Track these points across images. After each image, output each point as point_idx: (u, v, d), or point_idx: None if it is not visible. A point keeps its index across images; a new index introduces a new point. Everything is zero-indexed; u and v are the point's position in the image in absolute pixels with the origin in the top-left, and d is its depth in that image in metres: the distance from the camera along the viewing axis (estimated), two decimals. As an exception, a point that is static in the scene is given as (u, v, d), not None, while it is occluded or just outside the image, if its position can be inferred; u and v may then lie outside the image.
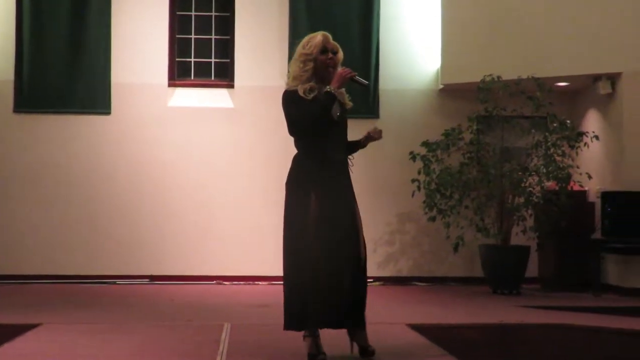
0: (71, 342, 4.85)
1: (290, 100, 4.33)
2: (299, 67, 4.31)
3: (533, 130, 8.26)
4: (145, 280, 8.78)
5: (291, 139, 4.63)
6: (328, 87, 4.25)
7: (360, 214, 4.42)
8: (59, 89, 8.88)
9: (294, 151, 4.60)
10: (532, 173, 8.14)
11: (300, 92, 4.27)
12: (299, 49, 4.34)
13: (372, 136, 4.43)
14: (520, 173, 8.10)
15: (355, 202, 4.40)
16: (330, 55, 4.31)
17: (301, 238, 4.26)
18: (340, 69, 4.29)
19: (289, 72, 4.40)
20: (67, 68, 8.87)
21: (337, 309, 4.19)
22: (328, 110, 4.23)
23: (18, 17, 8.82)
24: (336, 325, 4.27)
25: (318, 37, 4.33)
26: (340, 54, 4.36)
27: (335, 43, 4.38)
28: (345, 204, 4.31)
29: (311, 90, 4.27)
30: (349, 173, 4.42)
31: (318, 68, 4.30)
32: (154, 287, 8.43)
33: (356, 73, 4.31)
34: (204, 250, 8.90)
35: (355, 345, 4.31)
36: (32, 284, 8.50)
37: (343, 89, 4.39)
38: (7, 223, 8.77)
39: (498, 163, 8.12)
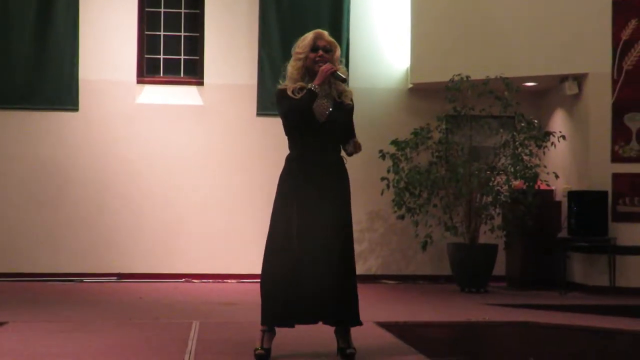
0: (37, 341, 4.80)
1: (280, 99, 4.35)
2: (292, 66, 4.33)
3: (501, 130, 8.33)
4: (113, 279, 8.71)
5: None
6: (310, 84, 4.25)
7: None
8: (25, 85, 8.77)
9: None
10: (500, 172, 8.22)
11: (289, 92, 4.28)
12: (293, 49, 4.37)
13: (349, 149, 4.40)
14: (488, 172, 8.17)
15: (343, 202, 4.33)
16: (321, 52, 4.29)
17: (282, 237, 4.25)
18: (323, 66, 4.27)
19: (285, 71, 4.39)
20: (34, 64, 8.77)
21: (311, 307, 4.18)
22: (306, 107, 4.22)
23: (-18, 15, 8.72)
24: (306, 321, 4.25)
25: (309, 35, 4.35)
26: (338, 52, 4.34)
27: (332, 40, 4.36)
28: (326, 205, 4.25)
29: (301, 89, 4.27)
30: (340, 174, 4.37)
31: (309, 67, 4.31)
32: (122, 285, 8.37)
33: (337, 68, 4.28)
34: (173, 248, 8.86)
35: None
36: (-3, 282, 8.41)
37: (348, 88, 4.38)
38: (-28, 220, 8.66)
39: (466, 162, 8.18)
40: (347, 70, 9.33)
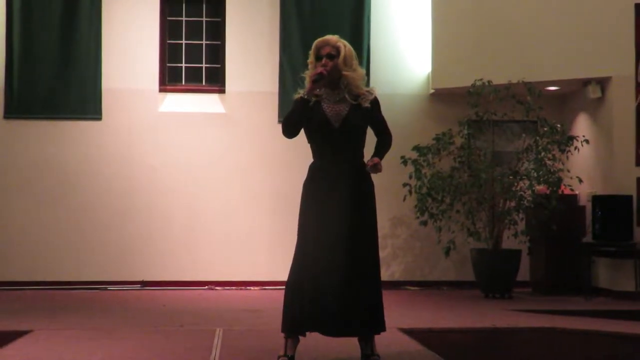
0: (62, 349, 4.83)
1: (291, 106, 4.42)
2: (306, 75, 4.37)
3: (523, 135, 8.29)
4: (137, 286, 8.75)
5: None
6: (302, 91, 4.30)
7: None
8: (49, 94, 8.85)
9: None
10: (523, 177, 8.17)
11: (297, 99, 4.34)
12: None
13: (370, 168, 4.35)
14: (511, 177, 8.12)
15: (364, 207, 4.30)
16: (324, 61, 4.30)
17: (303, 244, 4.27)
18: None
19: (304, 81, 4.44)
20: (58, 74, 8.85)
21: (325, 316, 4.14)
22: (295, 117, 4.28)
23: (8, 23, 8.80)
24: (323, 331, 4.21)
25: (314, 44, 4.38)
26: (341, 55, 4.32)
27: (337, 44, 4.34)
28: (347, 211, 4.22)
29: (307, 96, 4.30)
30: (360, 178, 4.33)
31: None
32: (146, 293, 8.41)
33: (318, 71, 4.26)
34: (196, 256, 8.89)
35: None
36: (23, 290, 8.46)
37: (367, 89, 4.38)
38: (-2, 229, 8.75)
39: (489, 167, 8.14)
40: (368, 76, 9.35)
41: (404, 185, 8.29)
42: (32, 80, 8.84)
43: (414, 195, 8.32)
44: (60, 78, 8.84)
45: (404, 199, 8.38)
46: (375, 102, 4.42)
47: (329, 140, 4.31)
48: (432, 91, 9.11)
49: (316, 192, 4.29)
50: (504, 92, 8.04)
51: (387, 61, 9.21)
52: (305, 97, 4.28)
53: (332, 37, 4.39)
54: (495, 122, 8.27)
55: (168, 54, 9.27)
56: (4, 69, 8.80)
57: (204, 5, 9.38)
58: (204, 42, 9.36)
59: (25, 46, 8.82)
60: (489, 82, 8.10)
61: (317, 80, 4.26)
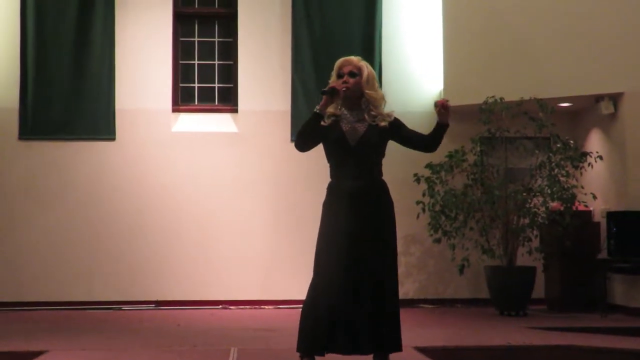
0: (78, 369, 4.83)
1: None
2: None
3: (536, 151, 8.27)
4: (151, 306, 8.76)
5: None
6: (316, 107, 4.33)
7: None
8: (63, 115, 8.92)
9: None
10: (537, 194, 8.14)
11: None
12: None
13: (440, 110, 4.38)
14: (524, 194, 8.10)
15: (382, 225, 4.33)
16: (345, 78, 4.35)
17: (319, 263, 4.30)
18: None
19: None
20: (71, 95, 8.91)
21: (340, 335, 4.15)
22: (307, 129, 4.32)
23: (22, 47, 8.89)
24: (337, 351, 4.21)
25: (337, 63, 4.44)
26: (364, 75, 4.36)
27: (359, 64, 4.39)
28: (365, 231, 4.26)
29: (329, 116, 4.36)
30: (378, 197, 4.36)
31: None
32: (160, 312, 8.42)
33: (332, 85, 4.32)
34: (210, 275, 8.89)
35: None
36: (37, 310, 8.49)
37: (387, 110, 4.43)
38: (12, 249, 8.78)
39: (502, 184, 8.13)
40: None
41: (417, 202, 8.28)
42: (46, 101, 8.90)
43: (427, 213, 8.30)
44: (74, 99, 8.91)
45: (417, 217, 8.37)
46: (397, 122, 4.48)
47: (346, 159, 4.34)
48: (444, 108, 9.09)
49: (333, 212, 4.32)
50: (516, 108, 8.04)
51: (399, 79, 9.23)
52: (318, 111, 4.30)
53: (355, 58, 4.46)
54: (507, 139, 8.25)
55: (181, 74, 9.33)
56: (19, 90, 8.87)
57: (216, 26, 9.45)
58: (216, 62, 9.41)
59: (39, 68, 8.90)
60: (501, 99, 8.10)
61: (329, 93, 4.30)
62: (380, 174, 4.45)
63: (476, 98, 8.33)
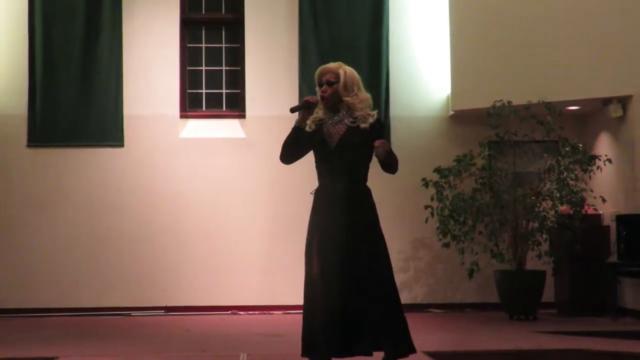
0: (88, 375, 4.84)
1: None
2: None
3: (545, 155, 8.25)
4: (160, 312, 8.77)
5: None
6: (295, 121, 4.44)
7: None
8: (71, 122, 8.94)
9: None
10: (546, 197, 8.12)
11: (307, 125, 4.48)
12: None
13: (377, 151, 4.33)
14: (533, 198, 8.08)
15: (366, 228, 4.36)
16: (324, 87, 4.42)
17: (313, 270, 4.35)
18: None
19: None
20: (79, 102, 8.94)
21: (331, 337, 4.19)
22: (289, 142, 4.44)
23: (30, 54, 8.92)
24: (335, 354, 4.23)
25: (316, 71, 4.51)
26: (341, 81, 4.39)
27: (337, 71, 4.42)
28: (336, 235, 4.30)
29: (314, 122, 4.44)
30: (359, 199, 4.39)
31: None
32: (169, 318, 8.43)
33: (305, 99, 4.43)
34: (219, 281, 8.90)
35: None
36: (47, 316, 8.51)
37: (368, 112, 4.42)
38: (21, 256, 8.80)
39: (511, 188, 8.11)
40: (387, 98, 9.34)
41: (426, 207, 8.27)
42: (54, 108, 8.93)
43: (435, 217, 8.29)
44: (82, 106, 8.94)
45: (426, 221, 8.36)
46: (377, 126, 4.43)
47: (327, 161, 4.42)
48: (452, 113, 9.10)
49: (317, 215, 4.40)
50: (524, 112, 8.03)
51: (406, 84, 9.23)
52: (297, 124, 4.42)
53: (334, 64, 4.50)
54: (516, 143, 8.24)
55: (188, 80, 9.35)
56: (27, 98, 8.90)
57: (223, 32, 9.47)
58: (223, 68, 9.43)
59: (47, 75, 8.93)
60: (509, 102, 8.09)
61: (301, 108, 4.41)
62: (363, 177, 4.45)
63: (484, 102, 8.33)
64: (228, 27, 9.48)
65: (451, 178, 8.29)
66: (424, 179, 8.33)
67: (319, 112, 4.45)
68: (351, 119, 4.39)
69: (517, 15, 8.68)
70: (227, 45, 9.47)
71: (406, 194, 8.95)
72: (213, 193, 9.03)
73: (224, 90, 9.41)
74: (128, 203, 8.93)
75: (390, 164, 4.42)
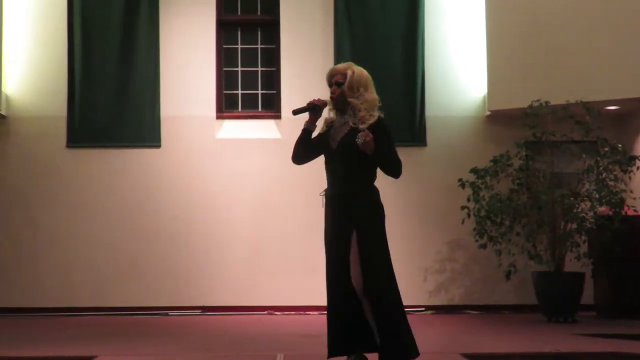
0: (126, 375, 4.88)
1: None
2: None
3: (584, 155, 8.15)
4: (197, 311, 8.83)
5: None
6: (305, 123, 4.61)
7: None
8: (109, 123, 9.04)
9: (322, 184, 4.80)
10: (584, 198, 8.02)
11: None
12: None
13: (358, 142, 4.32)
14: (571, 199, 7.98)
15: (365, 231, 4.38)
16: (333, 88, 4.50)
17: (328, 271, 4.56)
18: None
19: None
20: (117, 103, 9.04)
21: (338, 335, 4.42)
22: (298, 145, 4.62)
23: (69, 57, 9.04)
24: (340, 352, 4.42)
25: (327, 72, 4.63)
26: (346, 82, 4.45)
27: (345, 71, 4.49)
28: (340, 235, 4.42)
29: (325, 123, 4.60)
30: (359, 200, 4.41)
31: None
32: (206, 318, 8.48)
33: (310, 102, 4.58)
34: (255, 281, 8.93)
35: None
36: (85, 316, 8.62)
37: (372, 114, 4.43)
38: (61, 256, 8.92)
39: (548, 189, 8.02)
40: (422, 99, 9.27)
41: (462, 208, 8.22)
42: (93, 110, 9.04)
43: (472, 218, 8.23)
44: (120, 107, 9.03)
45: (462, 222, 8.31)
46: (378, 128, 4.40)
47: (329, 162, 4.52)
48: (489, 113, 9.03)
49: (325, 219, 4.53)
50: (562, 112, 7.94)
51: (442, 84, 9.19)
52: (306, 127, 4.56)
53: (343, 65, 4.60)
54: (553, 143, 8.15)
55: (224, 81, 9.40)
56: (66, 100, 9.02)
57: (259, 33, 9.51)
58: (259, 68, 9.47)
59: (85, 78, 9.04)
60: (546, 102, 8.01)
61: (308, 109, 4.53)
62: (364, 178, 4.45)
63: (521, 102, 8.25)
64: (263, 28, 9.52)
65: (488, 179, 8.23)
66: (460, 180, 8.28)
67: (331, 114, 4.54)
68: (355, 120, 4.39)
69: (554, 14, 8.58)
70: (262, 46, 9.50)
71: (442, 195, 8.90)
72: (249, 193, 9.06)
73: (259, 91, 9.44)
74: (164, 203, 9.00)
75: (384, 164, 4.42)
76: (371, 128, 4.36)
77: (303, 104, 9.10)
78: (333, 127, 4.52)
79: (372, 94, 4.47)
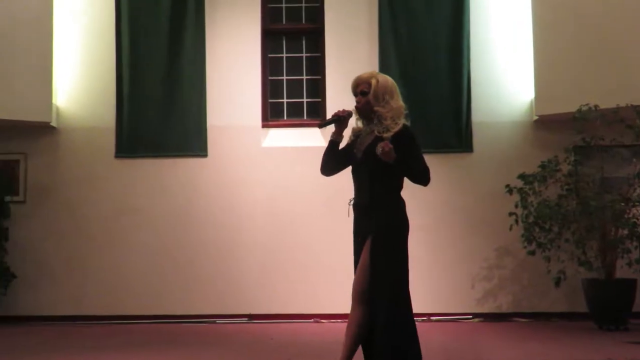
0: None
1: None
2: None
3: (634, 160, 8.00)
4: (244, 319, 8.87)
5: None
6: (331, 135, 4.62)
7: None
8: (157, 133, 9.14)
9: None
10: (635, 203, 7.87)
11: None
12: None
13: (377, 152, 4.30)
14: (622, 204, 7.84)
15: (380, 243, 4.36)
16: (358, 98, 4.51)
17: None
18: None
19: None
20: (165, 113, 9.14)
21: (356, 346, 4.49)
22: (324, 157, 4.64)
23: (118, 68, 9.17)
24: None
25: (352, 82, 4.62)
26: (372, 91, 4.44)
27: (370, 80, 4.48)
28: (360, 244, 4.50)
29: (353, 133, 4.60)
30: (376, 216, 4.39)
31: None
32: (253, 326, 8.51)
33: (334, 114, 4.61)
34: (302, 289, 8.94)
35: None
36: (133, 324, 8.71)
37: (396, 124, 4.41)
38: (110, 265, 9.04)
39: (598, 194, 7.89)
40: (469, 104, 9.20)
41: (510, 214, 8.13)
42: (140, 120, 9.14)
43: (520, 225, 8.14)
44: (167, 117, 9.13)
45: (510, 229, 8.22)
46: (403, 136, 4.37)
47: (355, 172, 4.52)
48: (536, 118, 8.92)
49: (353, 228, 4.59)
50: (611, 116, 7.80)
51: (489, 89, 9.10)
52: (332, 138, 4.56)
53: (367, 74, 4.57)
54: (603, 148, 8.02)
55: (270, 90, 9.45)
56: (115, 111, 9.16)
57: (304, 41, 9.54)
58: (304, 77, 9.50)
59: (133, 88, 9.16)
60: (595, 106, 7.88)
61: (334, 121, 4.55)
62: (388, 187, 4.40)
63: (569, 106, 8.13)
64: (308, 36, 9.55)
65: (536, 184, 8.13)
66: (507, 186, 8.20)
67: (358, 123, 4.53)
68: (380, 129, 4.37)
69: (602, 16, 8.44)
70: (307, 54, 9.53)
71: (489, 201, 8.82)
72: (295, 201, 9.08)
73: (304, 99, 9.47)
74: (212, 212, 9.07)
75: (409, 173, 4.39)
76: (396, 136, 4.33)
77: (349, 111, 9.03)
78: (360, 136, 4.51)
79: (398, 102, 4.45)
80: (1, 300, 8.85)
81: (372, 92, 4.43)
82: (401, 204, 4.44)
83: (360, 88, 4.49)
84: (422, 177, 4.39)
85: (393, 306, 4.30)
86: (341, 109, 4.58)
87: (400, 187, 4.45)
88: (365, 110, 4.46)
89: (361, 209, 4.45)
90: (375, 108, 4.41)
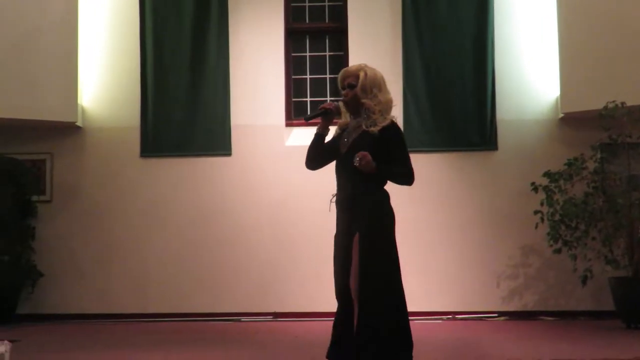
0: (200, 379, 4.94)
1: None
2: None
3: (662, 157, 7.93)
4: (269, 317, 8.88)
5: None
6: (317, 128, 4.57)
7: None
8: (181, 132, 9.19)
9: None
10: (663, 201, 7.79)
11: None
12: None
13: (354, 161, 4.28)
14: (650, 202, 7.77)
15: (365, 240, 4.32)
16: (345, 91, 4.44)
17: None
18: None
19: None
20: (189, 113, 9.18)
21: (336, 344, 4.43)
22: (309, 150, 4.59)
23: (142, 68, 9.22)
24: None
25: (339, 75, 4.56)
26: (359, 84, 4.38)
27: (358, 73, 4.41)
28: (343, 240, 4.44)
29: (339, 127, 4.56)
30: (358, 208, 4.35)
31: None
32: (278, 324, 8.52)
33: (321, 107, 4.55)
34: (326, 287, 8.89)
35: None
36: (158, 322, 8.75)
37: (384, 117, 4.39)
38: (136, 263, 9.10)
39: (625, 192, 7.82)
40: (493, 102, 9.14)
41: (536, 212, 8.08)
42: (165, 120, 9.20)
43: (545, 223, 8.08)
44: (192, 116, 9.17)
45: (536, 227, 8.16)
46: (390, 131, 4.33)
47: (339, 167, 4.48)
48: (562, 115, 8.85)
49: (336, 224, 4.53)
50: (638, 113, 7.73)
51: (513, 86, 9.04)
52: (318, 132, 4.50)
53: (355, 66, 4.50)
54: (630, 145, 7.95)
55: (293, 89, 9.46)
56: (140, 110, 9.21)
57: (327, 40, 9.54)
58: (327, 76, 9.50)
59: (158, 88, 9.21)
60: (622, 103, 7.81)
61: (320, 114, 4.49)
62: (371, 183, 4.34)
63: (595, 103, 8.06)
64: (332, 36, 9.55)
65: (562, 182, 8.07)
66: (533, 184, 8.14)
67: (345, 117, 4.48)
68: (368, 123, 4.33)
69: (628, 12, 8.35)
70: (330, 53, 9.53)
71: (515, 199, 8.76)
72: (319, 200, 9.02)
73: (328, 98, 9.46)
74: (236, 211, 9.09)
75: (391, 178, 4.38)
76: (383, 130, 4.29)
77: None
78: (346, 130, 4.46)
79: (387, 95, 4.40)
80: (29, 298, 8.96)
81: (360, 85, 4.37)
82: (386, 198, 4.41)
83: (348, 81, 4.43)
84: (405, 181, 4.40)
85: (379, 303, 4.29)
86: (328, 102, 4.54)
87: (384, 181, 4.41)
88: (352, 103, 4.41)
89: (344, 204, 4.37)
90: (363, 101, 4.36)
